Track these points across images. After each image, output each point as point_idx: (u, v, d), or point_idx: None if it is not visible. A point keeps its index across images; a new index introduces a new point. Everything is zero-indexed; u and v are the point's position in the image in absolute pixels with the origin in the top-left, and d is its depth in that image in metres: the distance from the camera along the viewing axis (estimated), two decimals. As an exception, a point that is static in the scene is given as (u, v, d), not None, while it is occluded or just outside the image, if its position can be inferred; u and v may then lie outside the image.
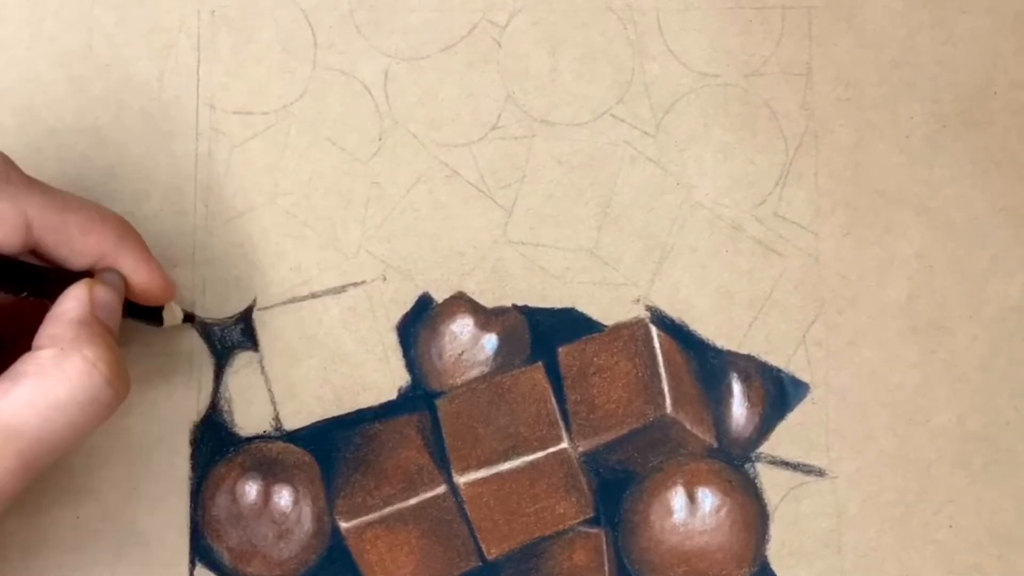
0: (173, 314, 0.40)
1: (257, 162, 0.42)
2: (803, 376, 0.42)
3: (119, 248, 0.35)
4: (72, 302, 0.34)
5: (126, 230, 0.36)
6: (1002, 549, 0.41)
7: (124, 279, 0.36)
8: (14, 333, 0.35)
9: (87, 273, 0.35)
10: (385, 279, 0.42)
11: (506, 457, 0.41)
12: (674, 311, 0.42)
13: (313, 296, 0.42)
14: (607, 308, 0.42)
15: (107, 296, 0.34)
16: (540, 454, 0.41)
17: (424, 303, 0.42)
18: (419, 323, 0.42)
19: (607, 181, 0.43)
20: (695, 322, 0.42)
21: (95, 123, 0.42)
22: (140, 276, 0.36)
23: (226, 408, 0.41)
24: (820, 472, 0.41)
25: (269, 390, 0.41)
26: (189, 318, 0.41)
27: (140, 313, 0.38)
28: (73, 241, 0.34)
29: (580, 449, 0.41)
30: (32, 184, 0.34)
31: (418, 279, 0.42)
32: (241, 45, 0.42)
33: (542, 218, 0.42)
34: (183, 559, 0.41)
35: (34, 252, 0.34)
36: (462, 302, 0.42)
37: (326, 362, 0.42)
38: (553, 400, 0.42)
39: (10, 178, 0.33)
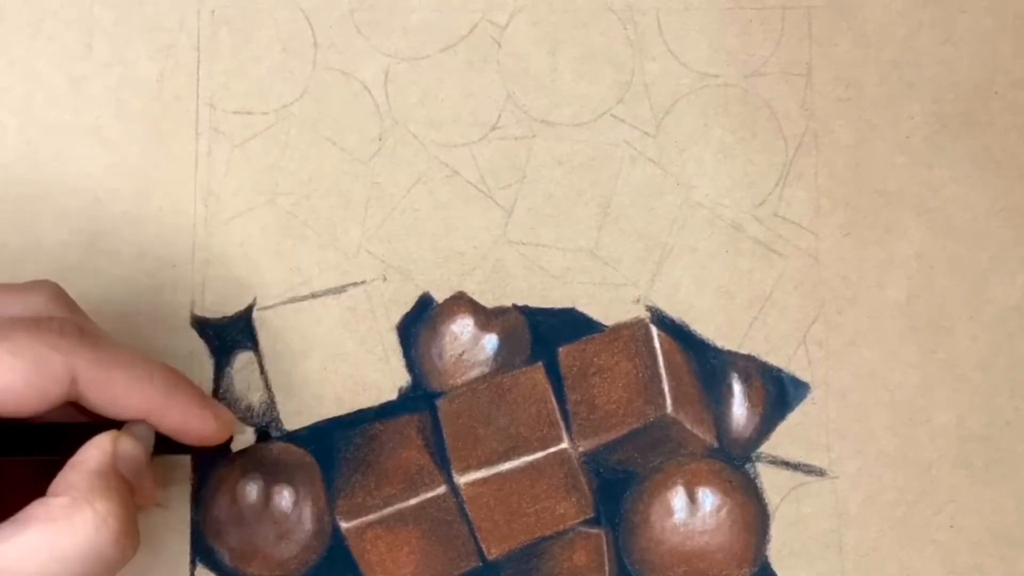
0: (240, 439, 0.39)
1: (257, 162, 0.42)
2: (803, 376, 0.42)
3: (166, 404, 0.34)
4: (94, 451, 0.33)
5: (174, 384, 0.35)
6: (1003, 549, 0.41)
7: (154, 432, 0.35)
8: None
9: (116, 424, 0.35)
10: (385, 279, 0.42)
11: (506, 457, 0.41)
12: (674, 311, 0.42)
13: (313, 296, 0.42)
14: (607, 308, 0.42)
15: (132, 450, 0.34)
16: (540, 454, 0.41)
17: (424, 303, 0.42)
18: (419, 323, 0.42)
19: (607, 181, 0.43)
20: (695, 322, 0.42)
21: (95, 123, 0.42)
22: (191, 428, 0.35)
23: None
24: (821, 472, 0.41)
25: (269, 390, 0.41)
26: (263, 435, 0.41)
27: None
28: (118, 398, 0.33)
29: (580, 449, 0.41)
30: (83, 337, 0.33)
31: (418, 279, 0.42)
32: (241, 45, 0.42)
33: (542, 218, 0.42)
34: (184, 560, 0.41)
35: (74, 404, 0.33)
36: (462, 302, 0.42)
37: (326, 362, 0.41)
38: (553, 400, 0.42)
39: (64, 329, 0.32)
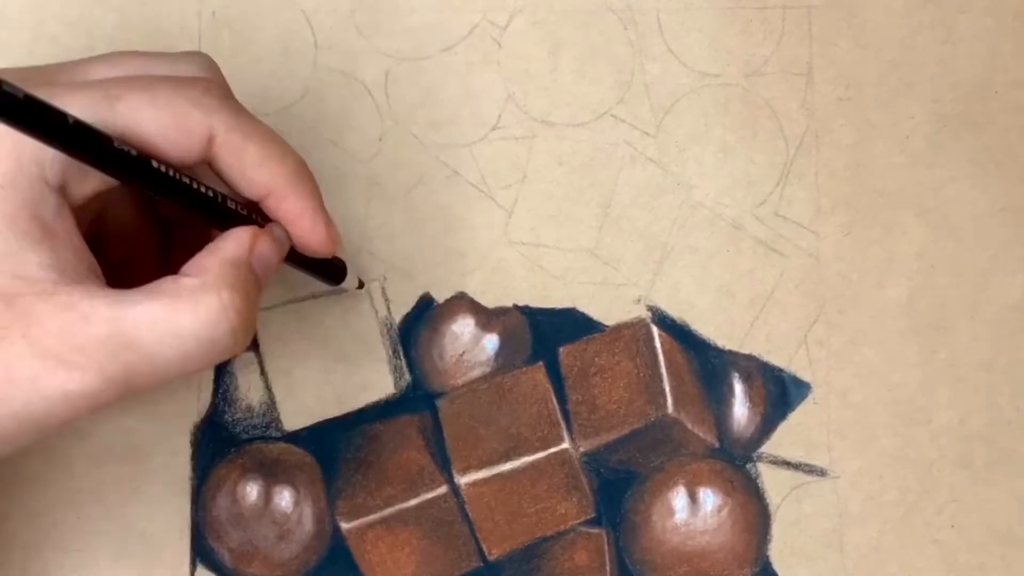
0: (350, 279, 0.39)
1: (257, 163, 0.42)
2: (804, 376, 0.42)
3: (288, 190, 0.34)
4: (232, 242, 0.33)
5: (301, 175, 0.35)
6: (1004, 549, 0.41)
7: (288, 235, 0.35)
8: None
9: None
10: (386, 279, 0.42)
11: (507, 457, 0.41)
12: (675, 311, 0.42)
13: (313, 296, 0.42)
14: (608, 308, 0.42)
15: (268, 250, 0.34)
16: (541, 454, 0.41)
17: (425, 303, 0.42)
18: (420, 323, 0.42)
19: (608, 181, 0.43)
20: (696, 322, 0.42)
21: (95, 124, 0.42)
22: (303, 223, 0.35)
23: (227, 409, 0.41)
24: (822, 472, 0.41)
25: (269, 390, 0.41)
26: (361, 285, 0.41)
27: (319, 268, 0.38)
28: (247, 168, 0.33)
29: (581, 449, 0.41)
30: (226, 101, 0.33)
31: (419, 279, 0.42)
32: (241, 46, 0.42)
33: (543, 218, 0.42)
34: (184, 560, 0.41)
35: (209, 165, 0.33)
36: (463, 302, 0.42)
37: (326, 362, 0.41)
38: (554, 400, 0.42)
39: (209, 90, 0.33)
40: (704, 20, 0.43)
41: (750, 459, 0.42)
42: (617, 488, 0.41)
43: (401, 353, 0.42)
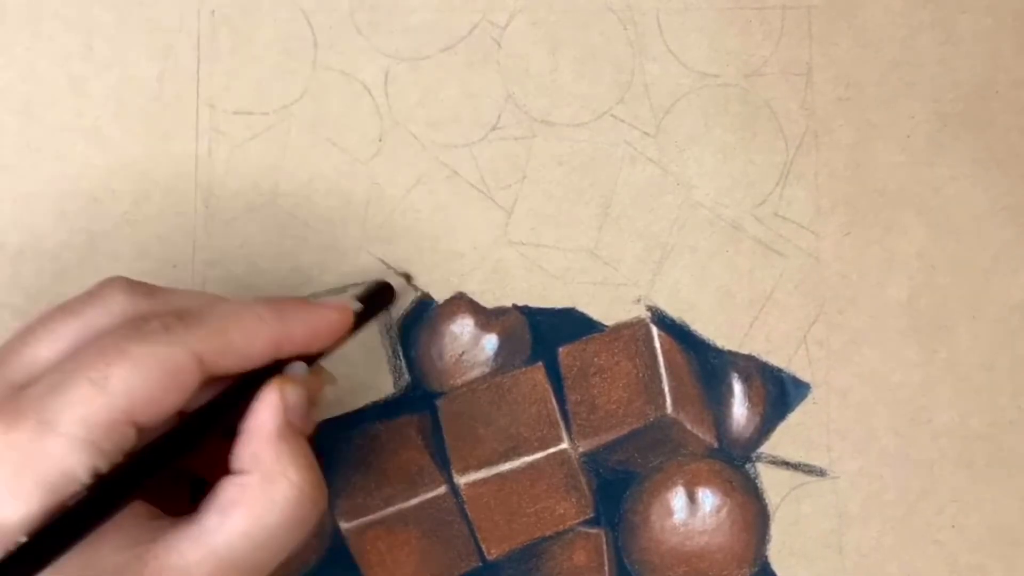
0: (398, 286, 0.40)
1: (257, 162, 0.42)
2: (804, 376, 0.42)
3: (286, 331, 0.34)
4: (266, 413, 0.33)
5: (280, 309, 0.34)
6: (1005, 549, 0.41)
7: (313, 361, 0.35)
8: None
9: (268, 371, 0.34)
10: (385, 279, 0.42)
11: (506, 457, 0.41)
12: (675, 311, 0.42)
13: (313, 296, 0.42)
14: (607, 308, 0.42)
15: (298, 397, 0.34)
16: (540, 454, 0.41)
17: (424, 303, 0.42)
18: (419, 323, 0.42)
19: (607, 181, 0.43)
20: (696, 322, 0.42)
21: (95, 123, 0.42)
22: (321, 334, 0.35)
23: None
24: (821, 472, 0.41)
25: (269, 390, 0.41)
26: (408, 278, 0.41)
27: (374, 311, 0.38)
28: (243, 354, 0.33)
29: (580, 449, 0.41)
30: (183, 317, 0.32)
31: (418, 279, 0.42)
32: (241, 45, 0.42)
33: (542, 218, 0.42)
34: (183, 559, 0.41)
35: (209, 381, 0.33)
36: (462, 302, 0.42)
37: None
38: (553, 400, 0.42)
39: (165, 323, 0.32)
40: (704, 20, 0.43)
41: (749, 459, 0.42)
42: (616, 488, 0.41)
43: (400, 353, 0.42)
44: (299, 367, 0.35)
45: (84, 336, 0.32)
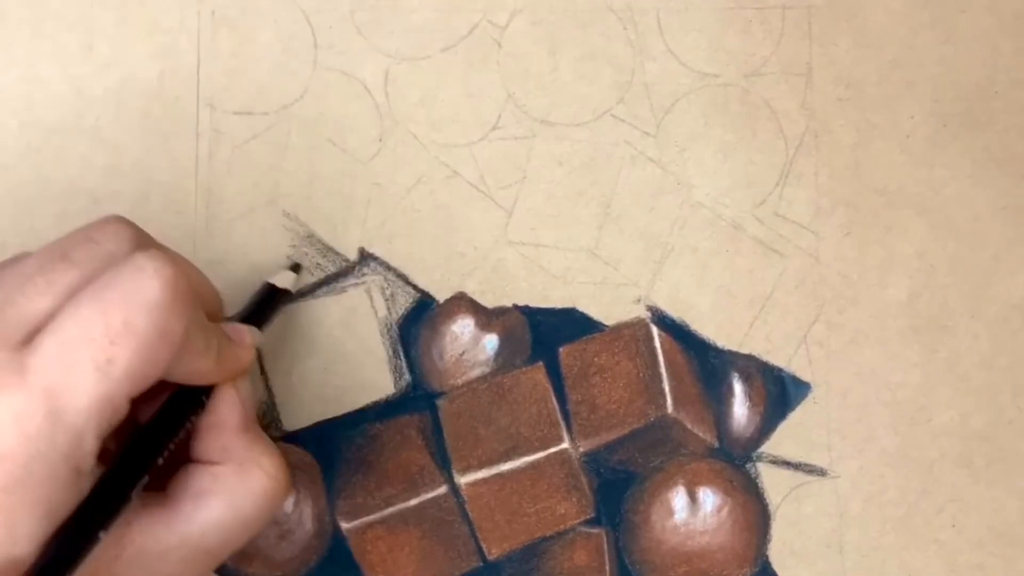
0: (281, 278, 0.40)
1: (257, 163, 0.42)
2: (804, 376, 0.42)
3: (221, 369, 0.34)
4: (229, 409, 0.33)
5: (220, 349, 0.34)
6: (1005, 548, 0.41)
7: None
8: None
9: None
10: (385, 279, 0.42)
11: (507, 457, 0.41)
12: (675, 311, 0.42)
13: (313, 296, 0.42)
14: (608, 308, 0.42)
15: (249, 391, 0.34)
16: (541, 454, 0.41)
17: (424, 303, 0.42)
18: (419, 323, 0.42)
19: (607, 181, 0.43)
20: (696, 322, 0.42)
21: (95, 123, 0.42)
22: (232, 375, 0.35)
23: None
24: (822, 472, 0.41)
25: (269, 390, 0.41)
26: (296, 268, 0.41)
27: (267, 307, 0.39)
28: (190, 373, 0.33)
29: (581, 449, 0.41)
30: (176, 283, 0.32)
31: (418, 279, 0.42)
32: (241, 45, 0.42)
33: (543, 218, 0.42)
34: (183, 560, 0.41)
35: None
36: (463, 302, 0.42)
37: (326, 362, 0.41)
38: (554, 400, 0.42)
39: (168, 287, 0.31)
40: (704, 20, 0.43)
41: (750, 459, 0.42)
42: (616, 488, 0.41)
43: (401, 353, 0.42)
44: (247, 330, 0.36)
45: (83, 284, 0.31)
